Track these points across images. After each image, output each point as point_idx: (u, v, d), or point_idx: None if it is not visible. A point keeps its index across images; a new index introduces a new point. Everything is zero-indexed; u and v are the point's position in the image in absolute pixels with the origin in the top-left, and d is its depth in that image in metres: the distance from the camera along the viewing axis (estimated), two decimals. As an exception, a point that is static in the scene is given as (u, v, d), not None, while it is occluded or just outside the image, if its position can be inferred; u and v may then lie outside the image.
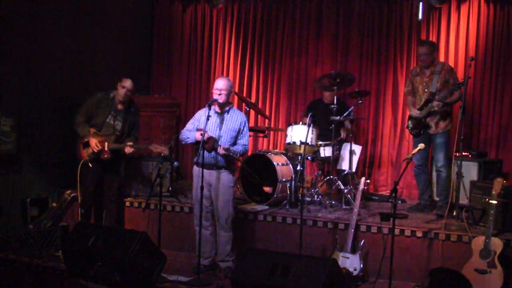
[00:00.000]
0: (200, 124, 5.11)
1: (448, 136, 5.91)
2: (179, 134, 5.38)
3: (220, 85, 5.11)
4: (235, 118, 5.18)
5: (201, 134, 4.91)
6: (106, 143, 5.64)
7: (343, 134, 6.61)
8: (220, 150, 4.99)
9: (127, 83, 5.68)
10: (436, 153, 5.94)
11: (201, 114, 5.21)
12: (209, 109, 5.02)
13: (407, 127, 6.06)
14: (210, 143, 4.98)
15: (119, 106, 5.75)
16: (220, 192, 5.14)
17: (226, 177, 5.16)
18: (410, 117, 5.99)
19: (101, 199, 5.97)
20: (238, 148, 5.13)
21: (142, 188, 6.41)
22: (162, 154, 5.36)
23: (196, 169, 5.16)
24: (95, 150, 5.63)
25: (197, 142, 5.05)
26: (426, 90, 5.86)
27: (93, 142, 5.63)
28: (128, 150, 5.62)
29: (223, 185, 5.14)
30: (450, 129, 5.90)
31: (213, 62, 7.91)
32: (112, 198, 5.95)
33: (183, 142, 5.31)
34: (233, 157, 5.15)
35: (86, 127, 5.72)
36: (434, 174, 6.14)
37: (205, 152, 4.99)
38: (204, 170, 5.02)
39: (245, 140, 5.22)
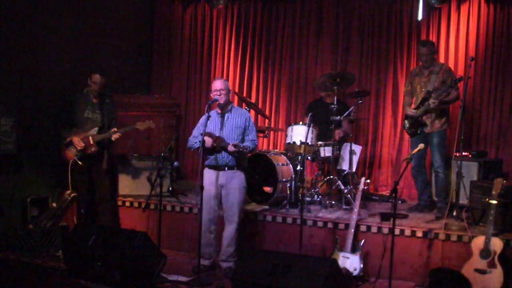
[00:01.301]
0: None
1: (445, 136, 5.90)
2: (179, 134, 5.36)
3: (218, 85, 5.10)
4: (238, 115, 5.15)
5: (201, 134, 4.86)
6: (90, 137, 5.73)
7: (337, 136, 6.49)
8: (230, 148, 4.94)
9: (95, 77, 5.87)
10: (432, 154, 5.91)
11: (204, 118, 5.17)
12: (209, 108, 4.99)
13: (404, 126, 6.05)
14: (218, 143, 4.95)
15: (94, 100, 5.91)
16: (232, 193, 5.09)
17: (238, 177, 5.12)
18: (407, 117, 5.98)
19: (94, 198, 5.99)
20: (247, 143, 5.06)
21: (138, 189, 6.40)
22: (166, 150, 5.31)
23: (206, 172, 5.10)
24: (79, 147, 5.68)
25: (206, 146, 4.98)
26: (423, 89, 5.86)
27: (76, 139, 5.73)
28: (115, 136, 5.76)
29: (236, 186, 5.09)
30: (446, 129, 5.90)
31: (213, 62, 7.91)
32: (105, 197, 5.97)
33: (191, 149, 5.26)
34: (244, 153, 5.09)
35: (68, 128, 5.82)
36: (433, 174, 6.14)
37: (215, 153, 4.98)
38: (216, 171, 5.03)
39: (253, 135, 5.18)
